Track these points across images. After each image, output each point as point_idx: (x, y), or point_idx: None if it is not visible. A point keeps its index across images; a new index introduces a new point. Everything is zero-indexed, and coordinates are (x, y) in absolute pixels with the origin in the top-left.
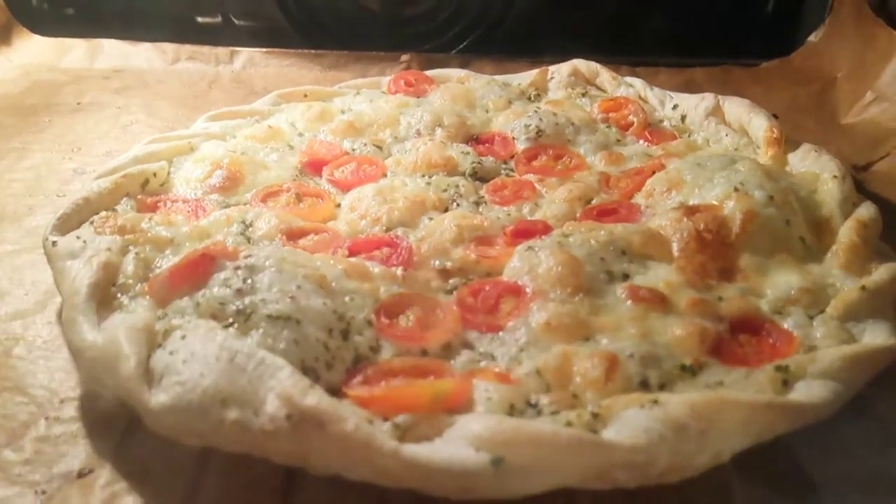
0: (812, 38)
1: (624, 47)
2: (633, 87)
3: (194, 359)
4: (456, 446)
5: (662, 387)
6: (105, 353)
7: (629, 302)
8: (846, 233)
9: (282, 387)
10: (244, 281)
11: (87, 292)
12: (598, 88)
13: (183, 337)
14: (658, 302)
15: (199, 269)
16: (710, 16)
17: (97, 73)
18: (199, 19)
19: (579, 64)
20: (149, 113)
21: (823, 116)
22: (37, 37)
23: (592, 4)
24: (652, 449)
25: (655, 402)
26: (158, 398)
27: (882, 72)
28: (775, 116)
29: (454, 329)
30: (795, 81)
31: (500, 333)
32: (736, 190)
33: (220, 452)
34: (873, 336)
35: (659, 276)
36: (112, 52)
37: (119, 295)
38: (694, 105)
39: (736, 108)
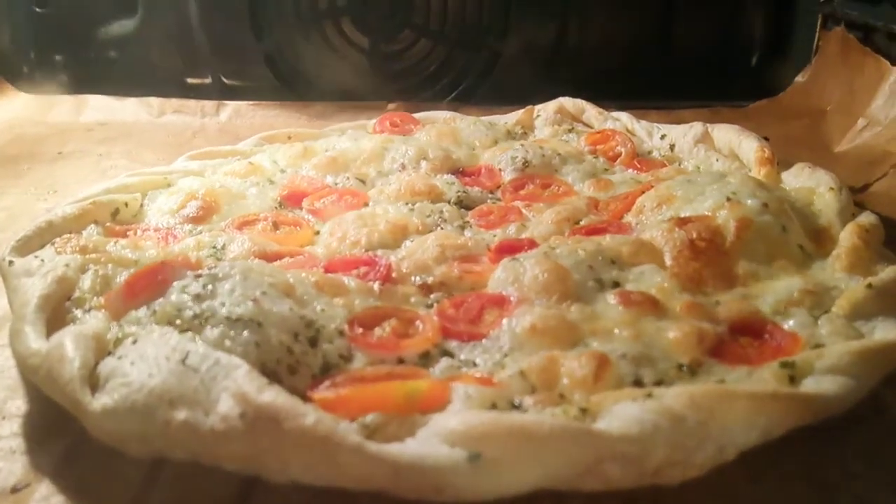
0: (800, 77)
1: (612, 94)
2: (619, 120)
3: (143, 360)
4: (429, 444)
5: (658, 385)
6: (48, 359)
7: (620, 307)
8: (847, 237)
9: (236, 385)
10: (204, 287)
11: (36, 303)
12: (585, 125)
13: (134, 342)
14: (651, 306)
15: (157, 279)
16: (697, 65)
17: (82, 126)
18: (189, 80)
19: (565, 102)
20: (131, 159)
21: (816, 146)
22: (23, 94)
23: (580, 55)
24: (646, 439)
25: (650, 395)
26: (101, 400)
27: (872, 99)
28: (766, 139)
29: (433, 338)
30: (785, 117)
31: (483, 341)
32: (728, 200)
33: (169, 465)
34: (884, 333)
35: (652, 282)
36: (98, 107)
37: (73, 310)
38: (682, 134)
39: (725, 133)
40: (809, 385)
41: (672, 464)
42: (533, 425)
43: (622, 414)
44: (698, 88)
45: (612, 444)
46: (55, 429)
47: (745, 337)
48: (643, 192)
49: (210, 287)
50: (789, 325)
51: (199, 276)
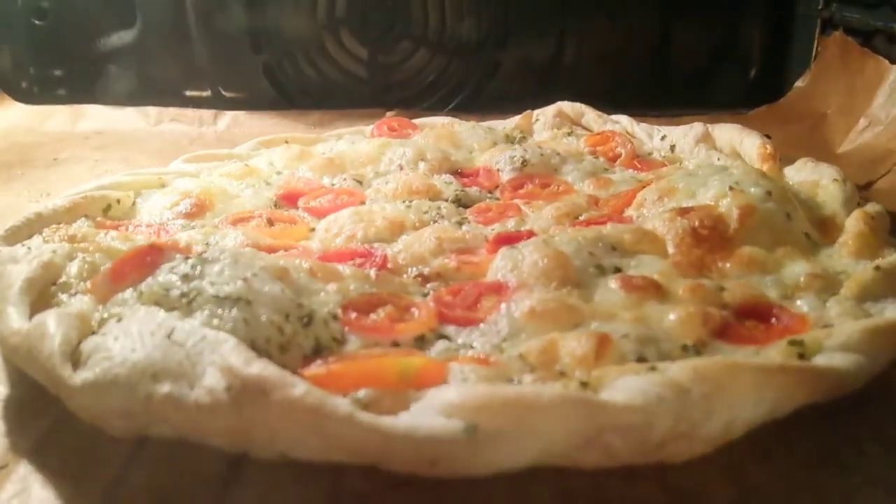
0: (799, 83)
1: (611, 106)
2: (619, 123)
3: (127, 336)
4: (424, 416)
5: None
6: (29, 337)
7: (622, 292)
8: (854, 223)
9: (223, 359)
10: (193, 268)
11: (20, 286)
12: (584, 128)
13: (119, 320)
14: (654, 290)
15: (145, 261)
16: (696, 77)
17: (78, 134)
18: (188, 93)
19: (564, 105)
20: (126, 164)
21: (818, 148)
22: (20, 104)
23: (578, 68)
24: (649, 409)
25: (653, 369)
26: (81, 375)
27: (873, 98)
28: (767, 136)
29: (429, 323)
30: (786, 121)
31: (481, 326)
32: (731, 189)
33: (153, 444)
34: (895, 312)
35: (654, 268)
36: (95, 116)
37: (58, 294)
38: (683, 134)
39: (726, 132)
40: (820, 360)
41: (677, 436)
42: (531, 395)
43: (624, 386)
44: (697, 99)
45: (613, 413)
46: (35, 410)
47: (750, 320)
48: (644, 188)
49: (199, 268)
50: (797, 307)
51: (188, 258)
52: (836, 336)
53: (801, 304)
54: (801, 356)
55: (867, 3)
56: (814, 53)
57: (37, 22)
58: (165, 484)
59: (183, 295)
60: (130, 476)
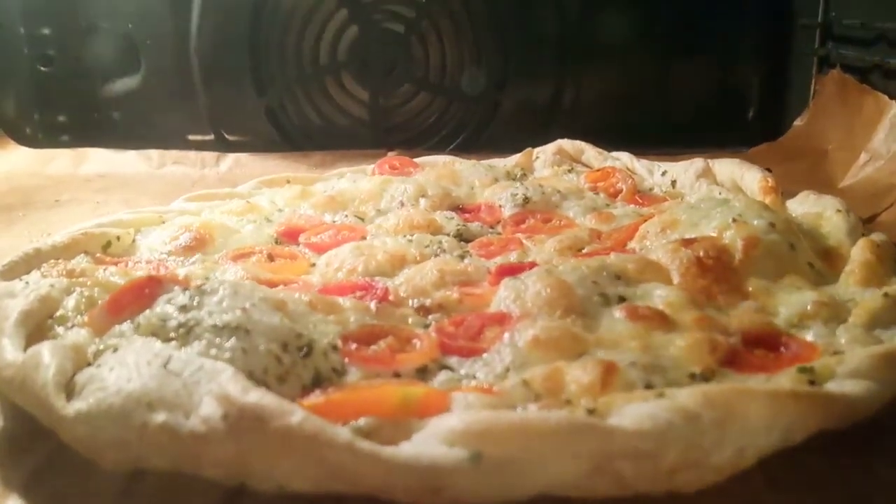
0: (798, 121)
1: (609, 145)
2: (619, 159)
3: (122, 366)
4: (427, 444)
5: None
6: (23, 368)
7: (627, 321)
8: (859, 252)
9: (220, 388)
10: (192, 299)
11: (16, 318)
12: (585, 165)
13: (115, 350)
14: (660, 320)
15: (143, 293)
16: (694, 119)
17: (80, 177)
18: (191, 137)
19: (564, 143)
20: (128, 206)
21: (819, 183)
22: (23, 148)
23: (577, 111)
24: (659, 435)
25: (661, 395)
26: (75, 405)
27: (873, 134)
28: (769, 170)
29: (430, 354)
30: (786, 159)
31: (484, 356)
32: (734, 221)
33: (148, 478)
34: None
35: (659, 297)
36: (97, 159)
37: (55, 327)
38: (683, 170)
39: (727, 167)
40: (832, 387)
41: (688, 465)
42: (537, 421)
43: (633, 412)
44: (696, 141)
45: (622, 439)
46: (28, 444)
47: (759, 349)
48: (646, 221)
49: (197, 299)
50: (806, 336)
51: (187, 290)
52: (847, 363)
53: (810, 333)
54: (812, 383)
55: (863, 40)
56: (812, 92)
57: (42, 68)
58: None
59: (180, 325)
60: None
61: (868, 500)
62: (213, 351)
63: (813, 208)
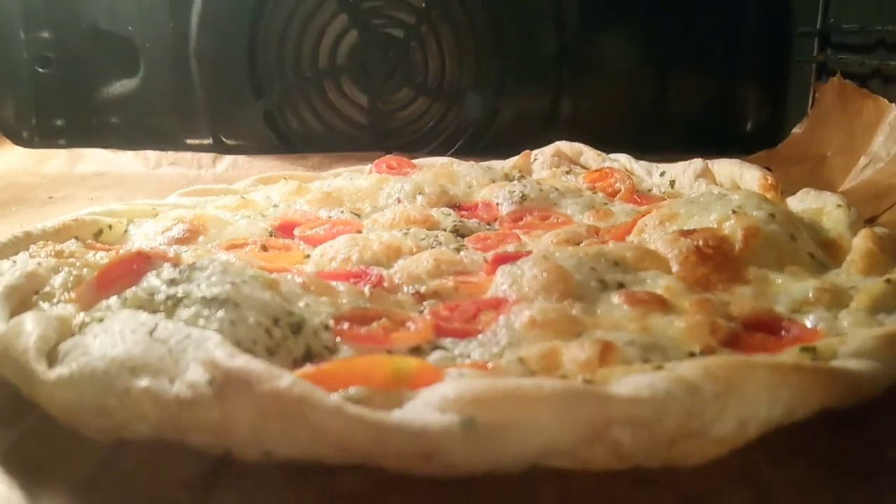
0: (797, 129)
1: (608, 152)
2: (617, 160)
3: (107, 333)
4: (418, 411)
5: None
6: (6, 337)
7: (626, 306)
8: (861, 242)
9: (206, 353)
10: (181, 273)
11: (1, 292)
12: (583, 167)
13: (101, 320)
14: (659, 304)
15: (131, 268)
16: (693, 130)
17: (76, 175)
18: (189, 140)
19: (562, 145)
20: (122, 202)
21: (820, 186)
22: (19, 148)
23: (575, 118)
24: (658, 403)
25: (660, 367)
26: (57, 370)
27: (873, 137)
28: (768, 169)
29: (425, 334)
30: (785, 164)
31: (479, 337)
32: (734, 212)
33: (131, 447)
34: None
35: (658, 283)
36: (93, 159)
37: (41, 302)
38: (682, 170)
39: (726, 166)
40: (835, 364)
41: (688, 435)
42: (532, 387)
43: (631, 382)
44: (695, 149)
45: (620, 405)
46: (9, 416)
47: (760, 333)
48: (644, 216)
49: (187, 273)
50: (808, 321)
51: (177, 266)
52: (849, 343)
53: (812, 318)
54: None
55: (862, 44)
56: (810, 101)
57: (41, 70)
58: (142, 487)
59: (168, 298)
60: (105, 478)
61: (871, 478)
62: (201, 321)
63: (813, 204)
